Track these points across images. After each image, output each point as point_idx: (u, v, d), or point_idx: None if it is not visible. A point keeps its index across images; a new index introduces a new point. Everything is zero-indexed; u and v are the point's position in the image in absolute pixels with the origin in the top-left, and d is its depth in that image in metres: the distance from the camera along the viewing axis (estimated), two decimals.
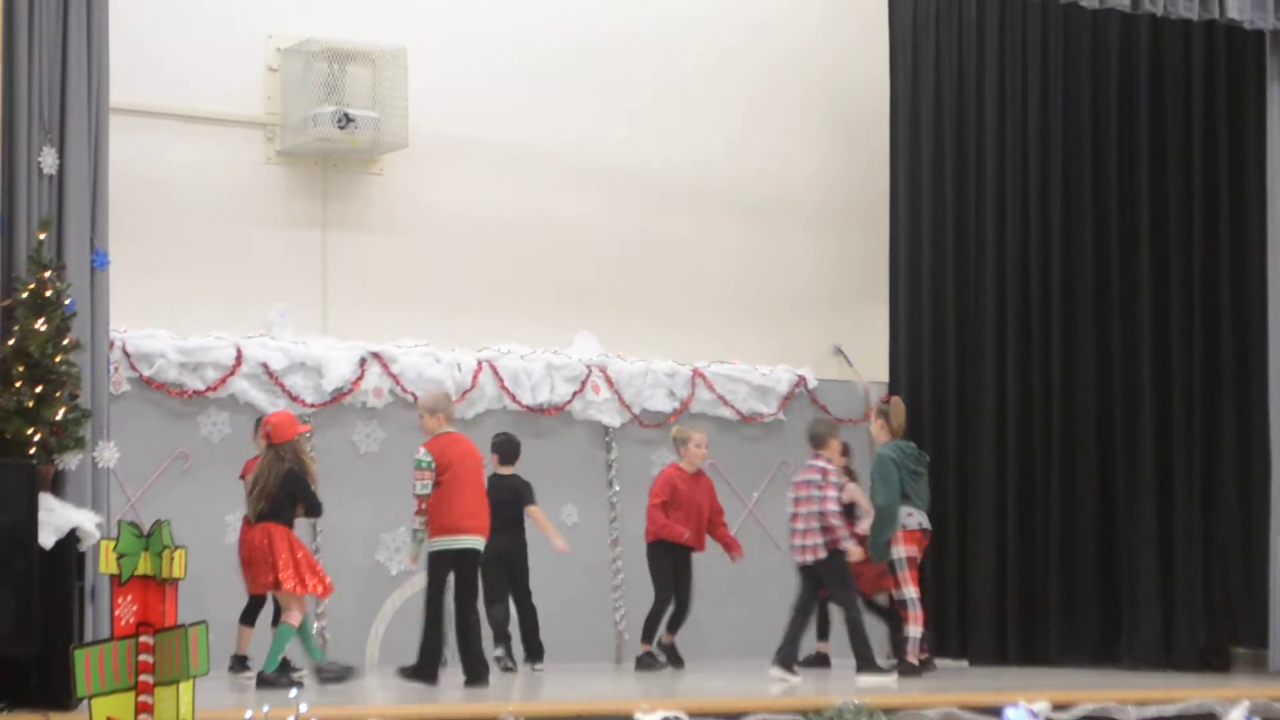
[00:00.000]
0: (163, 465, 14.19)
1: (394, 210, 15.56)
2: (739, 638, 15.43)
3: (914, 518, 13.81)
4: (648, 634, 14.42)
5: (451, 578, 12.64)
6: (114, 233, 11.37)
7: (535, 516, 14.19)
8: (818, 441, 13.61)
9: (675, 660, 14.46)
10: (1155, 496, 15.16)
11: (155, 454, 14.10)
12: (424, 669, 12.49)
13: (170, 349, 14.37)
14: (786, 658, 13.25)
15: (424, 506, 12.52)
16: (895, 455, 13.83)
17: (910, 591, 13.77)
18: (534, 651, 14.27)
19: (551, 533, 14.21)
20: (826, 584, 13.47)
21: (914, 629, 13.75)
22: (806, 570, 13.40)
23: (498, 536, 13.39)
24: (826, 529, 13.25)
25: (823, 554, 13.28)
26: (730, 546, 14.79)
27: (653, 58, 16.45)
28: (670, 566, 14.47)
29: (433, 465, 12.52)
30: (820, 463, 13.45)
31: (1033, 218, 16.01)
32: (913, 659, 13.66)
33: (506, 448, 14.36)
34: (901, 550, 13.73)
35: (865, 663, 13.29)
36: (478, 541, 12.69)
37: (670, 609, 14.47)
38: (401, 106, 15.14)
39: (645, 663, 14.31)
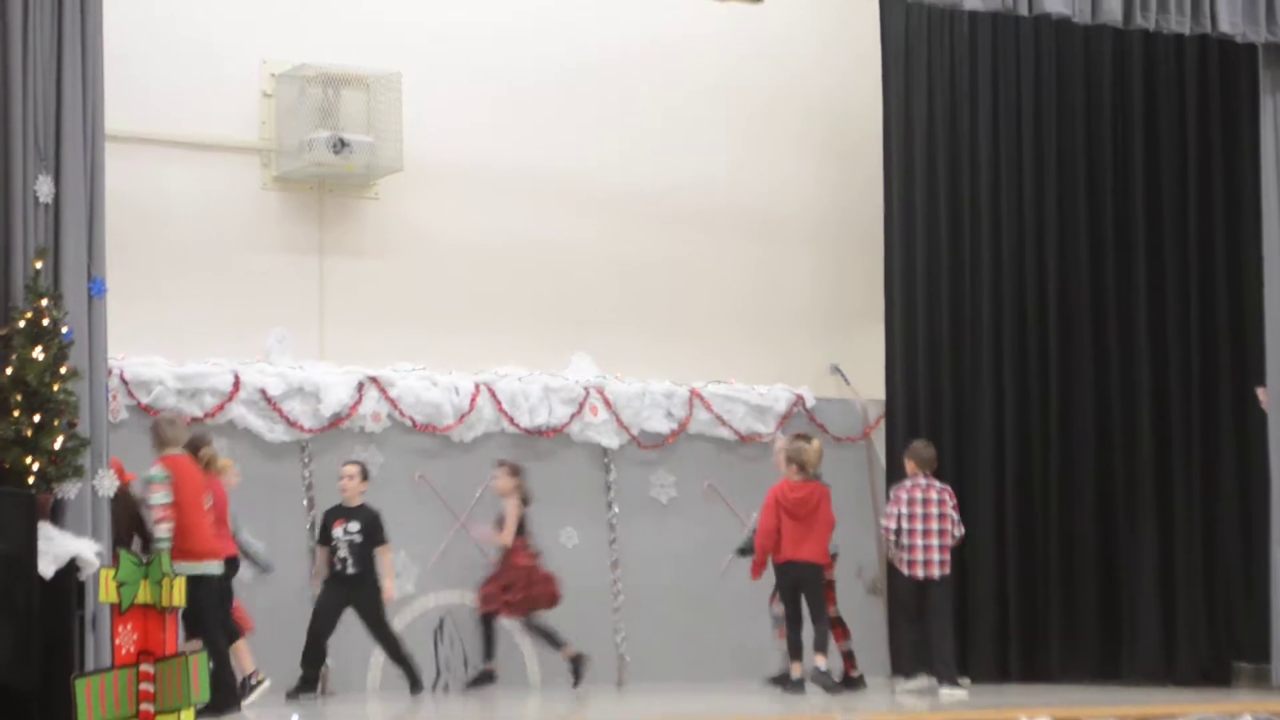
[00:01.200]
0: None
1: (390, 234, 15.56)
2: (743, 658, 15.38)
3: None
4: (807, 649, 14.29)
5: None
6: (111, 260, 11.37)
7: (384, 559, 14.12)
8: (931, 463, 14.25)
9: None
10: (1155, 511, 15.17)
11: None
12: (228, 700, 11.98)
13: (168, 376, 14.35)
14: (947, 673, 13.93)
15: (167, 514, 11.90)
16: None
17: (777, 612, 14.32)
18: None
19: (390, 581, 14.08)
20: (940, 596, 14.08)
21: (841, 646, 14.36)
22: (931, 585, 14.02)
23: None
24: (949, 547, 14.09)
25: (948, 570, 14.05)
26: None
27: (649, 81, 16.45)
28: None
29: (169, 479, 12.08)
30: (938, 483, 14.14)
31: (1027, 234, 16.03)
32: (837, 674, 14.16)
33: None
34: None
35: (946, 678, 13.95)
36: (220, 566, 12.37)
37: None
38: (396, 130, 15.14)
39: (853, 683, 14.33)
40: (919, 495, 14.07)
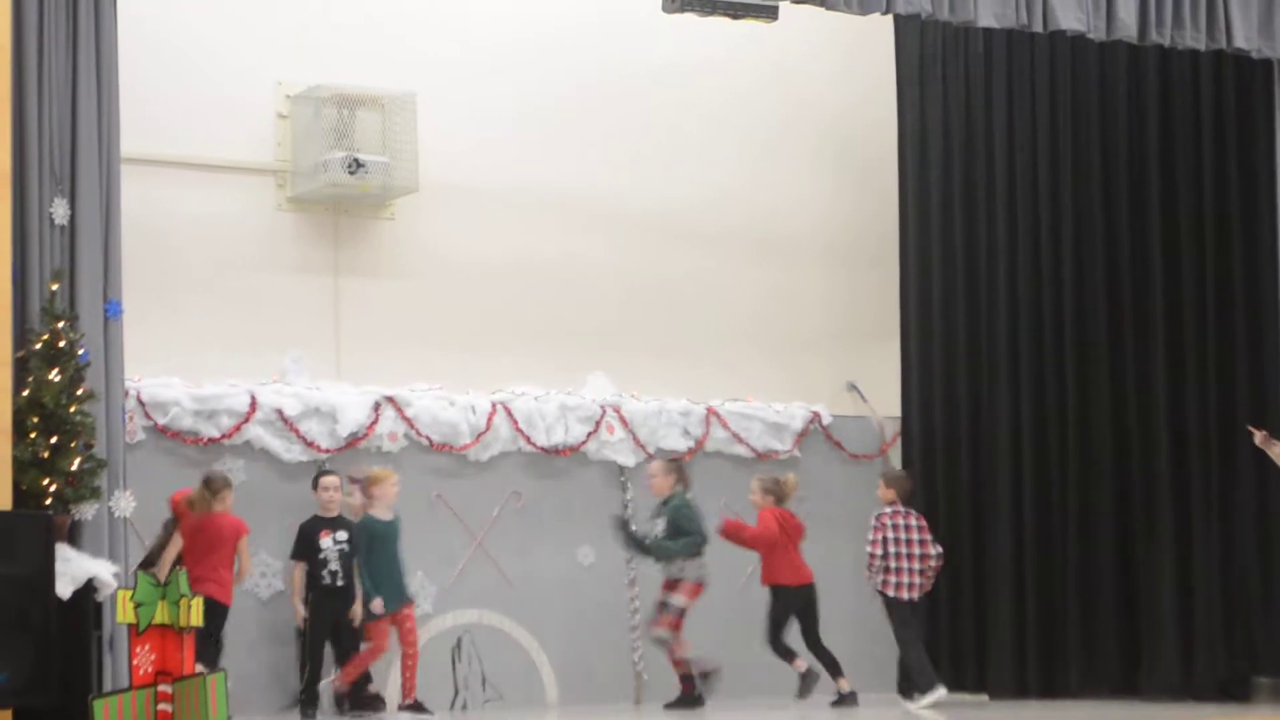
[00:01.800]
0: None
1: (406, 254, 15.56)
2: (761, 676, 15.35)
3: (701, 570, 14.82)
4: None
5: None
6: (126, 282, 11.39)
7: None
8: (909, 492, 15.04)
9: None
10: (1173, 526, 15.12)
11: None
12: None
13: (184, 397, 14.36)
14: (928, 684, 14.45)
15: None
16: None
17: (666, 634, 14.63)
18: None
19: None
20: (918, 618, 14.91)
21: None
22: (914, 605, 14.76)
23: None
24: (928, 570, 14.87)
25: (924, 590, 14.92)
26: None
27: (664, 100, 16.44)
28: None
29: None
30: (913, 510, 14.94)
31: (1043, 249, 15.99)
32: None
33: None
34: (685, 600, 14.62)
35: (925, 685, 14.49)
36: None
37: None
38: (411, 151, 15.14)
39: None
40: (900, 521, 14.75)
